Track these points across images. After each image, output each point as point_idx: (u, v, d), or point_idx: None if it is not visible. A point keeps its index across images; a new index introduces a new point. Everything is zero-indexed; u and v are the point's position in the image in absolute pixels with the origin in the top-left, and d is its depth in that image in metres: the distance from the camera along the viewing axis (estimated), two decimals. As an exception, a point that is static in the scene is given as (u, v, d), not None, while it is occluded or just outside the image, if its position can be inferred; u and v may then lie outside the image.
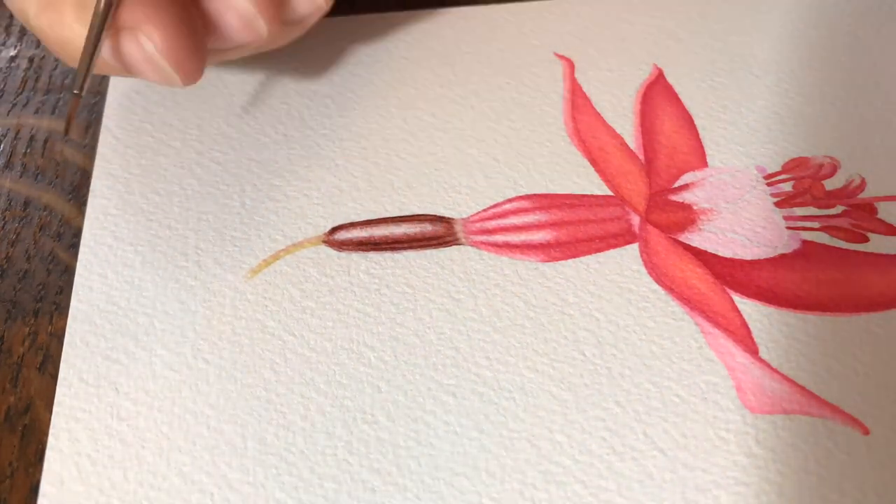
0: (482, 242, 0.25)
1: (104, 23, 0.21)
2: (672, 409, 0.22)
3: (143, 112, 0.29)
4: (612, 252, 0.25)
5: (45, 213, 0.27)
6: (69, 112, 0.23)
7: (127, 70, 0.23)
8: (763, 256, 0.24)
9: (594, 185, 0.26)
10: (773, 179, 0.26)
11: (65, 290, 0.25)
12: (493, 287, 0.24)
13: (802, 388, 0.22)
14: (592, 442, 0.21)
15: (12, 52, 0.32)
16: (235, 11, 0.23)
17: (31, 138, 0.29)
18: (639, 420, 0.21)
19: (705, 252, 0.25)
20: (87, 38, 0.22)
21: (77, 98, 0.22)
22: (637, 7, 0.32)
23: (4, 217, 0.27)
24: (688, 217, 0.25)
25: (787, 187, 0.26)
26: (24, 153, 0.28)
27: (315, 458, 0.21)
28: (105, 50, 0.22)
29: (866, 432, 0.21)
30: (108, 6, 0.21)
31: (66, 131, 0.23)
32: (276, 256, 0.25)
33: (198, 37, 0.23)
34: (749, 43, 0.31)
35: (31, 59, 0.32)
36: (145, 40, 0.22)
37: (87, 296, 0.24)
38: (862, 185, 0.26)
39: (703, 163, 0.27)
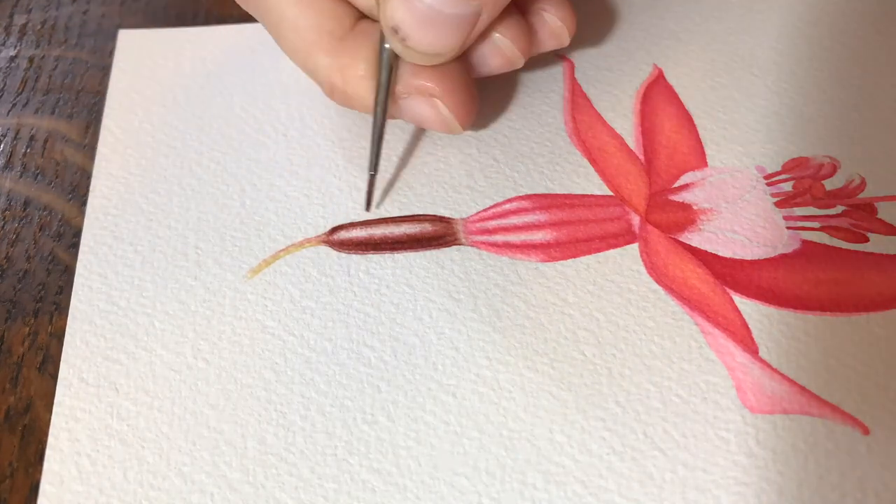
0: (482, 242, 0.25)
1: (386, 102, 0.24)
2: (672, 409, 0.22)
3: (143, 112, 0.29)
4: (612, 252, 0.25)
5: (45, 212, 0.27)
6: (368, 190, 0.25)
7: (411, 121, 0.26)
8: (763, 256, 0.24)
9: (594, 185, 0.26)
10: (773, 179, 0.26)
11: (65, 290, 0.25)
12: (493, 287, 0.24)
13: (802, 387, 0.22)
14: (592, 442, 0.21)
15: (12, 52, 0.32)
16: (502, 55, 0.25)
17: (31, 138, 0.29)
18: (639, 420, 0.21)
19: (705, 252, 0.25)
20: (374, 121, 0.24)
21: (373, 178, 0.25)
22: (637, 7, 0.32)
23: (4, 217, 0.27)
24: (688, 217, 0.25)
25: (787, 187, 0.26)
26: (24, 153, 0.28)
27: (315, 458, 0.21)
28: (395, 109, 0.25)
29: (866, 432, 0.21)
30: (389, 83, 0.24)
31: (368, 208, 0.26)
32: (276, 256, 0.25)
33: (475, 89, 0.25)
34: (749, 43, 0.31)
35: (31, 59, 0.32)
36: (441, 106, 0.24)
37: (87, 296, 0.24)
38: (862, 185, 0.26)
39: (702, 163, 0.27)
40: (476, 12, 0.23)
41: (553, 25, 0.26)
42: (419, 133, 0.28)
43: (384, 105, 0.24)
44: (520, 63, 0.26)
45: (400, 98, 0.25)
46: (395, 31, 0.22)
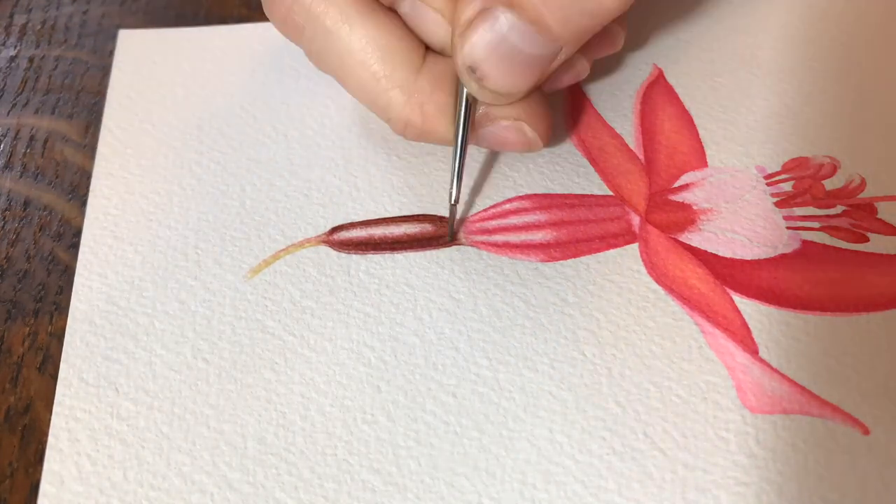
0: (482, 242, 0.25)
1: (467, 136, 0.24)
2: (672, 409, 0.22)
3: (143, 112, 0.29)
4: (612, 252, 0.25)
5: (45, 213, 0.27)
6: (449, 220, 0.25)
7: (488, 147, 0.26)
8: (763, 256, 0.24)
9: (594, 185, 0.26)
10: (773, 179, 0.26)
11: (65, 290, 0.25)
12: (493, 287, 0.24)
13: (802, 387, 0.22)
14: (592, 442, 0.21)
15: (12, 52, 0.32)
16: (572, 69, 0.25)
17: (31, 138, 0.29)
18: (639, 420, 0.21)
19: (705, 252, 0.25)
20: (455, 152, 0.24)
21: (454, 207, 0.25)
22: (637, 7, 0.32)
23: (4, 217, 0.27)
24: (688, 217, 0.25)
25: (787, 187, 0.26)
26: (24, 153, 0.28)
27: (315, 457, 0.21)
28: (473, 137, 0.25)
29: (866, 432, 0.21)
30: (468, 119, 0.24)
31: (452, 238, 0.25)
32: (275, 256, 0.25)
33: (549, 107, 0.25)
34: (749, 43, 0.31)
35: (31, 59, 0.32)
36: (527, 129, 0.24)
37: (87, 296, 0.24)
38: (862, 185, 0.26)
39: (702, 163, 0.27)
40: (556, 52, 0.22)
41: (612, 32, 0.26)
42: (419, 133, 0.28)
43: (465, 141, 0.24)
44: (586, 73, 0.26)
45: (480, 128, 0.24)
46: (473, 70, 0.22)
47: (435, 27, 0.24)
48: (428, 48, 0.25)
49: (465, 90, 0.23)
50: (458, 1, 0.22)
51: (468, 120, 0.24)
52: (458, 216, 0.26)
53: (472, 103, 0.24)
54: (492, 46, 0.22)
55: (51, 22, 0.33)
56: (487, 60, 0.22)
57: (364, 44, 0.24)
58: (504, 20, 0.21)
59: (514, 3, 0.21)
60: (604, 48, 0.26)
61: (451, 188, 0.24)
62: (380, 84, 0.24)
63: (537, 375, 0.22)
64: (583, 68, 0.25)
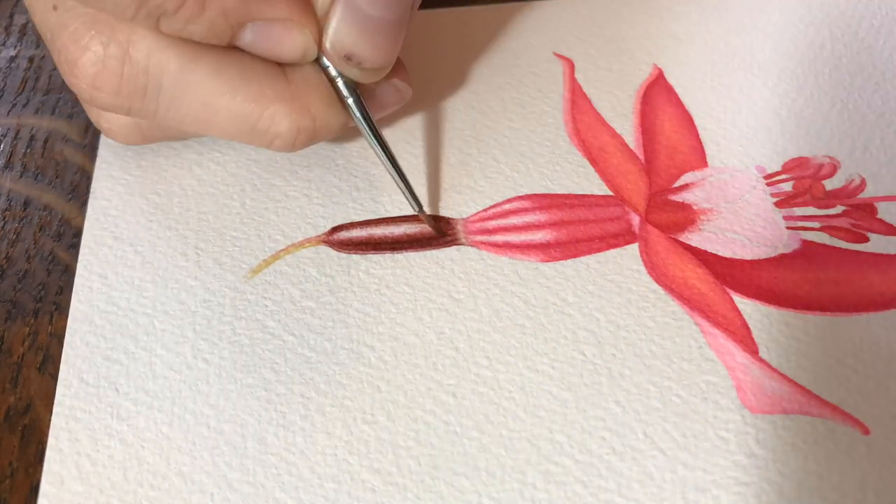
0: (482, 242, 0.25)
1: (375, 127, 0.24)
2: (672, 408, 0.22)
3: (143, 112, 0.29)
4: (612, 252, 0.25)
5: (45, 213, 0.27)
6: (427, 222, 0.25)
7: (374, 114, 0.25)
8: (763, 256, 0.24)
9: (594, 185, 0.26)
10: (773, 179, 0.26)
11: (65, 290, 0.25)
12: (493, 287, 0.24)
13: (802, 387, 0.22)
14: (592, 442, 0.21)
15: (12, 52, 0.32)
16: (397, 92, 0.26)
17: (31, 138, 0.29)
18: (639, 420, 0.21)
19: (705, 252, 0.25)
20: (392, 166, 0.24)
21: (423, 214, 0.25)
22: (637, 7, 0.32)
23: (4, 217, 0.27)
24: (688, 217, 0.25)
25: (787, 187, 0.26)
26: (24, 153, 0.28)
27: (315, 457, 0.21)
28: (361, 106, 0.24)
29: (866, 432, 0.21)
30: (363, 105, 0.24)
31: (441, 234, 0.25)
32: (276, 256, 0.25)
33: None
34: (749, 43, 0.31)
35: (31, 59, 0.32)
36: (398, 83, 0.25)
37: (87, 296, 0.24)
38: (862, 185, 0.26)
39: (702, 163, 0.27)
40: (407, 12, 0.23)
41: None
42: (419, 133, 0.28)
43: (376, 130, 0.24)
44: (409, 94, 0.26)
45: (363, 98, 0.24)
46: (349, 58, 0.22)
47: (284, 37, 0.23)
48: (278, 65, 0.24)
49: (342, 81, 0.23)
50: (303, 3, 0.22)
51: (364, 107, 0.24)
52: (454, 215, 0.26)
53: (359, 92, 0.24)
54: (353, 22, 0.22)
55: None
56: (361, 44, 0.22)
57: (221, 74, 0.22)
58: None
59: None
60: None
61: (409, 200, 0.25)
62: (257, 106, 0.23)
63: (537, 375, 0.22)
64: (406, 90, 0.26)
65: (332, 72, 0.23)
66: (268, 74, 0.23)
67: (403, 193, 0.25)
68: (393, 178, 0.25)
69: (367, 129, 0.24)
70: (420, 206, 0.25)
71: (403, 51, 0.24)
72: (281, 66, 0.23)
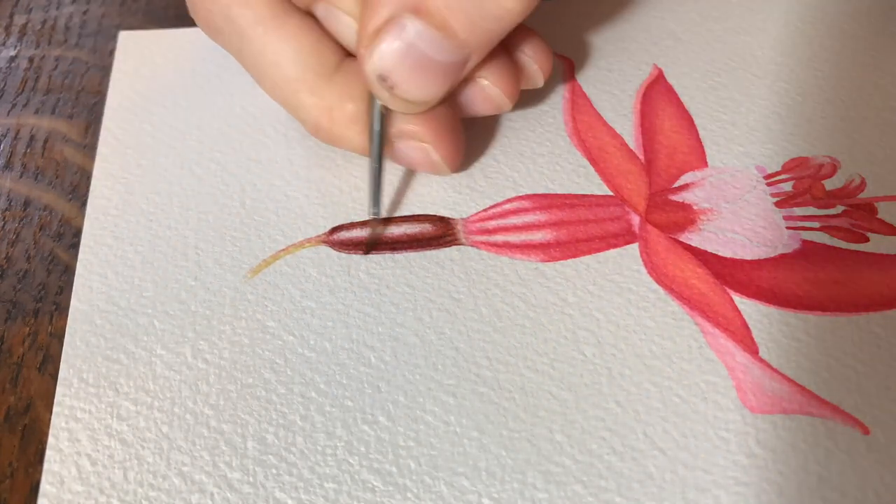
0: (482, 242, 0.25)
1: (381, 149, 0.24)
2: (672, 409, 0.21)
3: (143, 112, 0.29)
4: (612, 252, 0.25)
5: (45, 213, 0.27)
6: (371, 228, 0.25)
7: (400, 164, 0.26)
8: (763, 256, 0.24)
9: (594, 185, 0.26)
10: (773, 179, 0.26)
11: (65, 290, 0.25)
12: (493, 287, 0.24)
13: (802, 387, 0.22)
14: (592, 442, 0.21)
15: (12, 53, 0.32)
16: (489, 100, 0.25)
17: (31, 138, 0.29)
18: (639, 420, 0.21)
19: (705, 252, 0.25)
20: (372, 169, 0.24)
21: (376, 219, 0.25)
22: (637, 7, 0.32)
23: (4, 217, 0.27)
24: (688, 217, 0.25)
25: (787, 187, 0.26)
26: (24, 153, 0.28)
27: (315, 458, 0.21)
28: (387, 151, 0.25)
29: (866, 432, 0.21)
30: (383, 129, 0.24)
31: (367, 251, 0.25)
32: (276, 256, 0.25)
33: (462, 132, 0.25)
34: (749, 42, 0.31)
35: (31, 59, 0.32)
36: (431, 151, 0.25)
37: (86, 296, 0.24)
38: (862, 185, 0.26)
39: (702, 163, 0.27)
40: (465, 58, 0.22)
41: (529, 70, 0.26)
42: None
43: (380, 153, 0.24)
44: (507, 107, 0.26)
45: (390, 143, 0.25)
46: (383, 79, 0.22)
47: (348, 30, 0.24)
48: (347, 52, 0.25)
49: (377, 101, 0.23)
50: (364, 8, 0.22)
51: (382, 130, 0.24)
52: (454, 215, 0.26)
53: (385, 114, 0.24)
54: (400, 55, 0.21)
55: (51, 22, 0.33)
56: (397, 69, 0.22)
57: (276, 47, 0.24)
58: (411, 28, 0.21)
59: (420, 11, 0.21)
60: (523, 84, 0.26)
61: (372, 199, 0.25)
62: (290, 86, 0.24)
63: (537, 375, 0.22)
64: (501, 101, 0.25)
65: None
66: (317, 62, 0.24)
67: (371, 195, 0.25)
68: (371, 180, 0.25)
69: (374, 155, 0.24)
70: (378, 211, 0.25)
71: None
72: (339, 61, 0.24)
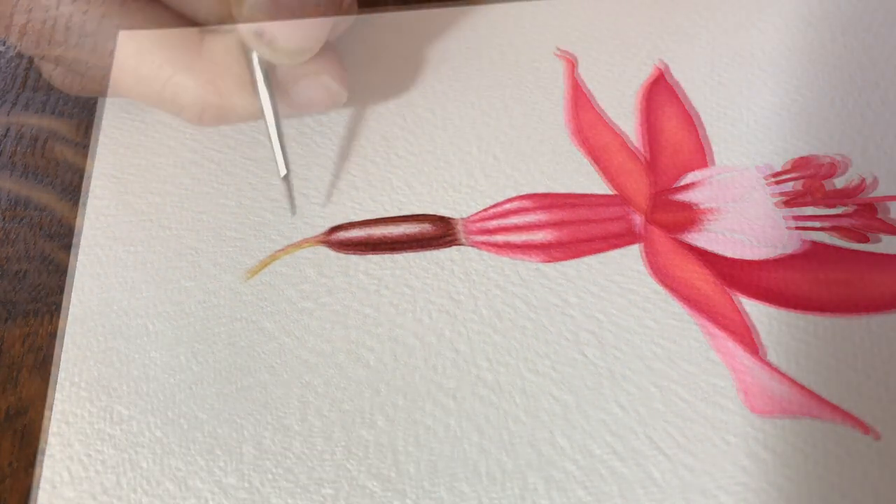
0: (482, 242, 0.25)
1: (276, 102, 0.23)
2: (675, 411, 0.21)
3: (139, 112, 0.29)
4: (614, 252, 0.24)
5: (42, 212, 0.27)
6: (287, 193, 0.25)
7: (297, 109, 0.25)
8: (767, 257, 0.24)
9: (596, 185, 0.26)
10: (778, 179, 0.26)
11: (62, 290, 0.24)
12: (494, 288, 0.24)
13: (807, 390, 0.21)
14: (594, 445, 0.21)
15: (12, 53, 0.32)
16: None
17: (30, 138, 0.29)
18: (641, 423, 0.21)
19: (709, 252, 0.24)
20: (272, 126, 0.24)
21: (287, 178, 0.25)
22: (640, 3, 0.32)
23: (2, 217, 0.26)
24: (691, 217, 0.25)
25: (791, 187, 0.26)
26: (22, 153, 0.28)
27: (313, 462, 0.21)
28: (286, 102, 0.24)
29: (876, 437, 0.21)
30: (270, 84, 0.23)
31: (294, 211, 0.25)
32: (273, 257, 0.25)
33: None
34: (755, 39, 0.30)
35: (30, 59, 0.32)
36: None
37: (83, 297, 0.24)
38: (864, 185, 0.26)
39: (706, 162, 0.27)
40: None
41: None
42: (418, 132, 0.28)
43: (276, 107, 0.23)
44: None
45: (284, 92, 0.24)
46: (260, 34, 0.21)
47: (205, 4, 0.23)
48: (202, 28, 0.24)
49: (256, 58, 0.23)
50: None
51: (271, 85, 0.23)
52: (454, 215, 0.25)
53: (269, 70, 0.23)
54: (276, 3, 0.21)
55: (51, 22, 0.33)
56: (270, 19, 0.21)
57: (135, 44, 0.23)
58: None
59: None
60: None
61: (278, 161, 0.24)
62: (162, 72, 0.23)
63: (538, 377, 0.22)
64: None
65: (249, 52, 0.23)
66: (181, 40, 0.23)
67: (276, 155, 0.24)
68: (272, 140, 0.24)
69: (272, 110, 0.23)
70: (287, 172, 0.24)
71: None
72: (200, 39, 0.23)
